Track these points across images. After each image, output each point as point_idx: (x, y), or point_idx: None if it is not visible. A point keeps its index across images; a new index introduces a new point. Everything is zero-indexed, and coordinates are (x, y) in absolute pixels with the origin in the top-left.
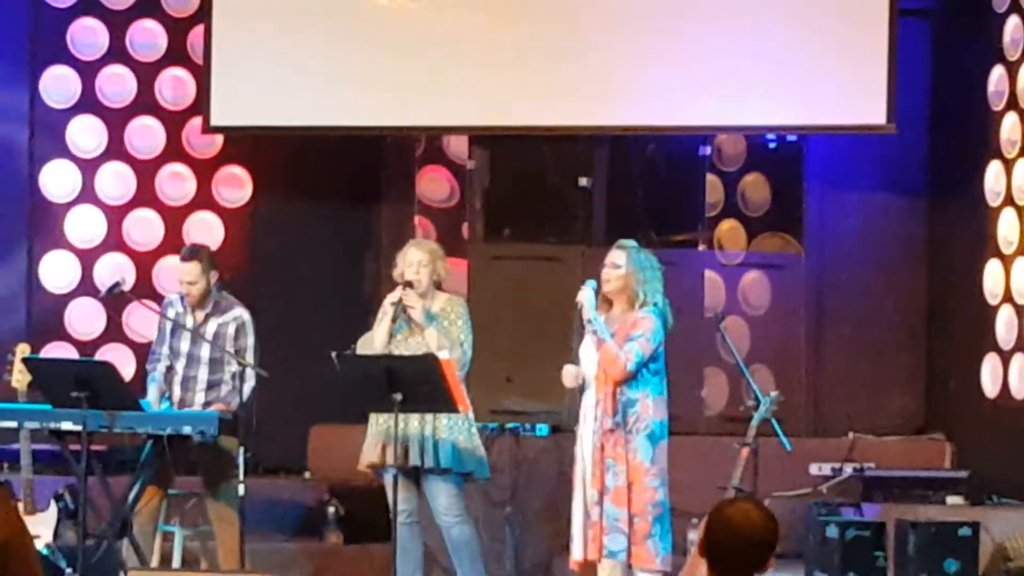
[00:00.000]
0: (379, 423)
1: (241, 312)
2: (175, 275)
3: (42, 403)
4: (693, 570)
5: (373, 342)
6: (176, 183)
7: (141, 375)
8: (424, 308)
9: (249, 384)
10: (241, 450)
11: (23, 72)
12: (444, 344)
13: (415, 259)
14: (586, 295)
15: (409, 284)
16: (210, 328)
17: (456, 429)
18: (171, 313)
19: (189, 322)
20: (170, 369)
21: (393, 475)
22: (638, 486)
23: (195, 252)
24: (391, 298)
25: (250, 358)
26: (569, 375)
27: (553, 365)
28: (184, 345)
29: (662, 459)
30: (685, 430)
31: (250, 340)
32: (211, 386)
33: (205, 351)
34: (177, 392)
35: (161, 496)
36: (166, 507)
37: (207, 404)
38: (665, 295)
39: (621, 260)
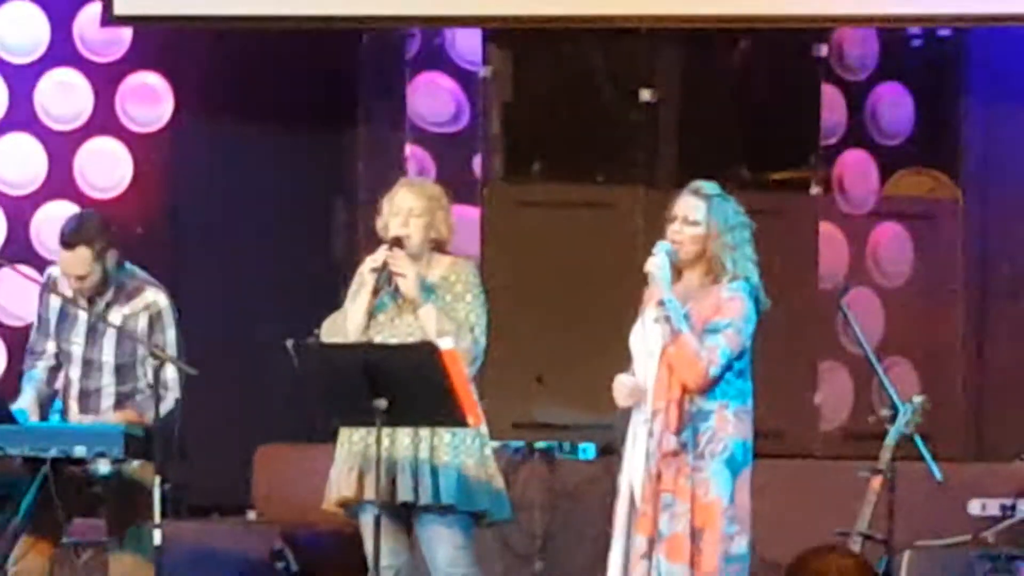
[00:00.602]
0: (353, 442)
1: (155, 296)
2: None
3: None
4: None
5: (345, 325)
6: (64, 97)
7: (13, 374)
8: (418, 276)
9: (172, 395)
10: (157, 481)
11: None
12: (446, 328)
13: (405, 206)
14: (659, 263)
15: (397, 242)
16: (112, 320)
17: (463, 450)
18: (54, 299)
19: (82, 316)
20: (57, 370)
21: (374, 516)
22: (712, 533)
23: (81, 231)
24: (371, 262)
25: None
26: (623, 390)
27: (602, 359)
28: (77, 346)
29: (743, 496)
30: (792, 451)
31: (170, 333)
32: (120, 400)
33: (108, 353)
34: (74, 408)
35: (47, 547)
36: (52, 562)
37: None
38: (757, 263)
39: (699, 213)
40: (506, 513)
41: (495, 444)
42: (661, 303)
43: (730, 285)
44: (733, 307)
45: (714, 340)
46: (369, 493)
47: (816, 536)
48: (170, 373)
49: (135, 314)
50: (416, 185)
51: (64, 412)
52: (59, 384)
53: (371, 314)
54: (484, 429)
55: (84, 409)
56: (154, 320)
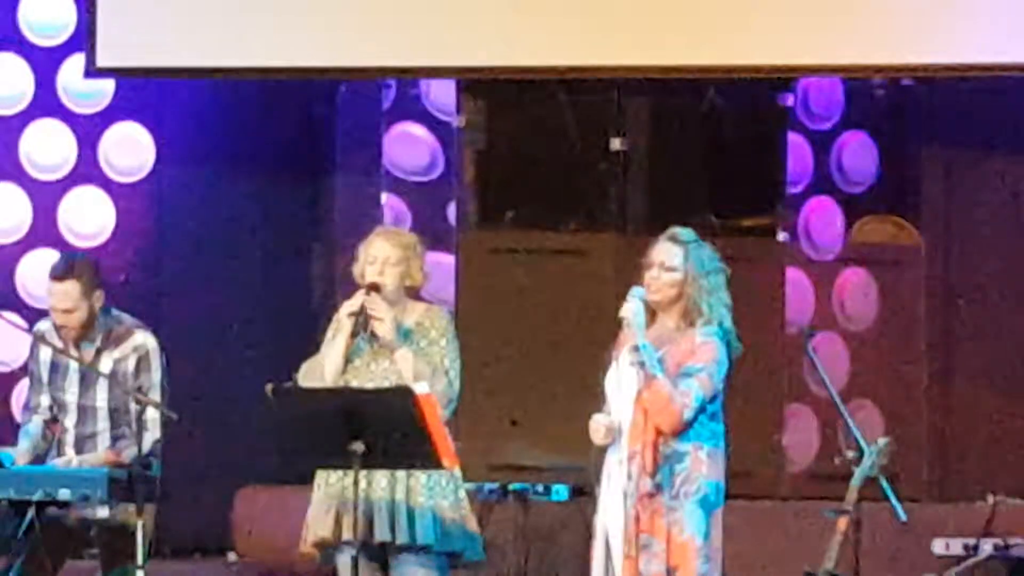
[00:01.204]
0: (330, 483)
1: (144, 339)
2: (46, 276)
3: None
4: None
5: (323, 369)
6: (48, 147)
7: (1, 417)
8: (395, 320)
9: (150, 436)
10: (140, 524)
11: None
12: (422, 371)
13: (381, 254)
14: (633, 309)
15: (374, 287)
16: (104, 367)
17: (438, 492)
18: (44, 352)
19: (73, 365)
20: (54, 423)
21: (352, 556)
22: (686, 571)
23: (71, 267)
24: (348, 307)
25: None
26: (600, 429)
27: (574, 401)
28: (71, 394)
29: (717, 535)
30: (758, 492)
31: (156, 376)
32: (116, 442)
33: (102, 398)
34: (71, 456)
35: None
36: None
37: None
38: (730, 308)
39: (677, 259)
40: (479, 554)
41: (469, 485)
42: (635, 348)
43: (703, 330)
44: (706, 352)
45: (687, 384)
46: (347, 534)
47: (782, 575)
48: (150, 414)
49: (124, 357)
50: (391, 234)
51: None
52: (57, 435)
53: (347, 359)
54: (458, 472)
55: (80, 453)
56: (141, 361)
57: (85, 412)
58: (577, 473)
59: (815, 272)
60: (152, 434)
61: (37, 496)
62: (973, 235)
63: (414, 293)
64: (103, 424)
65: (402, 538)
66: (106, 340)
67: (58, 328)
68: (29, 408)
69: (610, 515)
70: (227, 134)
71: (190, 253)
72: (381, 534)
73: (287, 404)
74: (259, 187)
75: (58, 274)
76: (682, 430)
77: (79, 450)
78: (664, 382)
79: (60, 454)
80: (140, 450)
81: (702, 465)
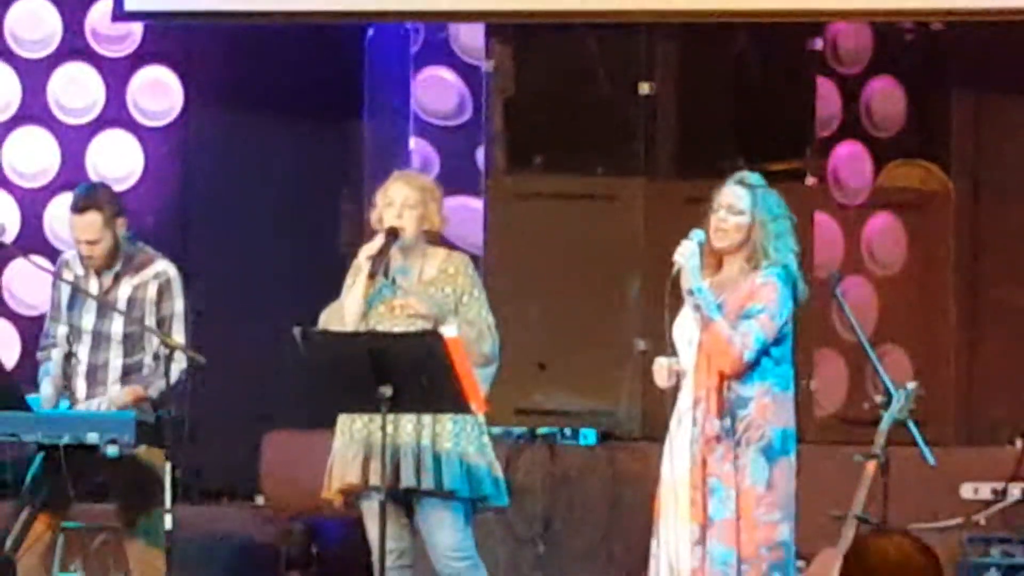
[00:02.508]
0: (356, 429)
1: (165, 266)
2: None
3: None
4: None
5: (343, 314)
6: (76, 91)
7: (28, 361)
8: (434, 305)
9: (177, 366)
10: (168, 466)
11: None
12: (470, 336)
13: (399, 197)
14: (689, 252)
15: (393, 232)
16: (122, 292)
17: (464, 437)
18: (68, 277)
19: (93, 288)
20: (70, 356)
21: (380, 502)
22: (747, 520)
23: (92, 198)
24: (367, 249)
25: (178, 331)
26: (662, 371)
27: (602, 345)
28: (88, 320)
29: (784, 483)
30: None
31: (178, 305)
32: (127, 373)
33: (118, 325)
34: (81, 386)
35: (56, 529)
36: (63, 545)
37: None
38: (797, 253)
39: (745, 203)
40: (504, 499)
41: (497, 430)
42: (691, 292)
43: (765, 272)
44: (767, 292)
45: (747, 325)
46: (374, 480)
47: (812, 520)
48: (178, 353)
49: (144, 283)
50: (409, 177)
51: (71, 392)
52: (69, 369)
53: (370, 303)
54: (482, 417)
55: (92, 383)
56: (163, 289)
57: (99, 339)
58: (605, 417)
59: (844, 217)
60: (179, 364)
61: (65, 440)
62: (1002, 180)
63: (433, 238)
64: (116, 352)
65: (428, 484)
66: (127, 265)
67: (83, 259)
68: (48, 337)
69: (677, 461)
70: (255, 78)
71: (218, 197)
72: (407, 480)
73: (315, 348)
74: (287, 131)
75: (79, 206)
76: (744, 372)
77: (91, 380)
78: (722, 324)
79: (71, 387)
80: (168, 384)
81: (767, 411)
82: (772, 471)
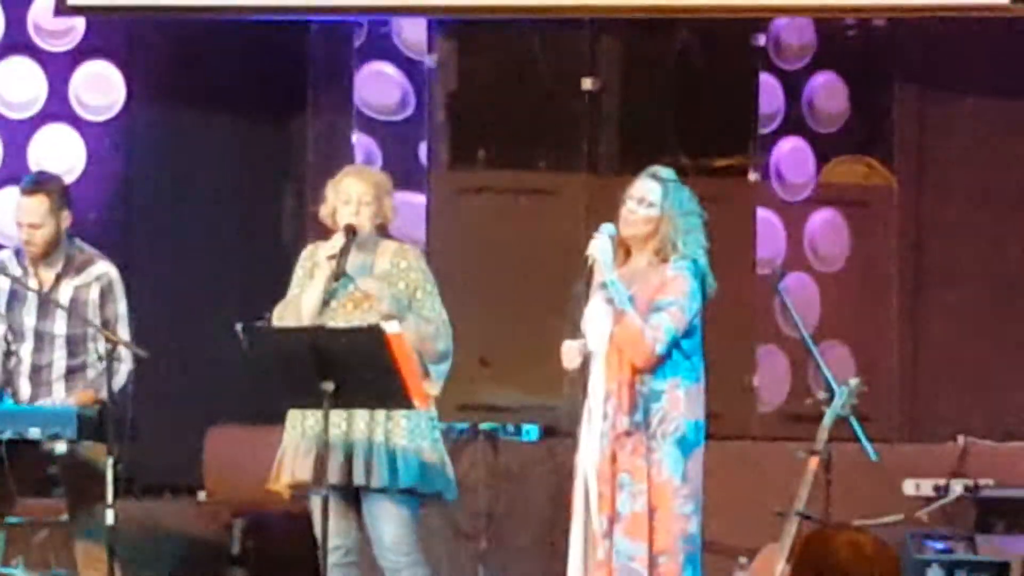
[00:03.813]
0: (308, 426)
1: (106, 268)
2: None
3: None
4: None
5: (299, 310)
6: (18, 86)
7: None
8: (393, 297)
9: (124, 366)
10: (110, 461)
11: None
12: (426, 332)
13: (355, 193)
14: (601, 247)
15: (351, 229)
16: (64, 293)
17: (419, 434)
18: (2, 281)
19: (33, 285)
20: (9, 355)
21: (322, 497)
22: (664, 512)
23: (41, 183)
24: (328, 249)
25: (123, 332)
26: (572, 352)
27: (545, 341)
28: (29, 320)
29: (696, 475)
30: (729, 433)
31: (121, 307)
32: (71, 373)
33: (60, 326)
34: (25, 386)
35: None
36: (4, 540)
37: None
38: (706, 249)
39: (655, 196)
40: (454, 493)
41: (440, 426)
42: (604, 285)
43: (674, 265)
44: (677, 285)
45: (658, 318)
46: (333, 476)
47: (754, 516)
48: (122, 350)
49: (87, 285)
50: (363, 172)
51: (13, 393)
52: (10, 367)
53: (326, 299)
54: (434, 412)
55: (35, 384)
56: (105, 291)
57: (43, 339)
58: (548, 413)
59: (786, 212)
60: (126, 364)
61: (7, 435)
62: (944, 175)
63: (384, 231)
64: (59, 352)
65: (380, 482)
66: (67, 266)
67: (23, 246)
68: None
69: (588, 454)
70: (198, 73)
71: (160, 192)
72: (358, 477)
73: (257, 343)
74: (230, 126)
75: (28, 188)
76: (655, 365)
77: (35, 381)
78: (634, 316)
79: (10, 386)
80: (111, 387)
81: (679, 403)
82: (687, 463)
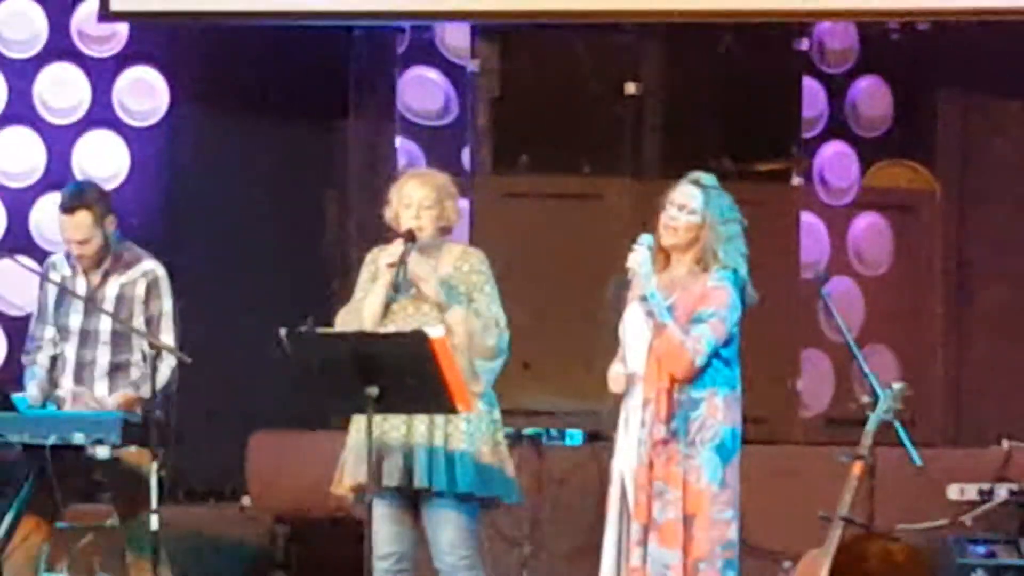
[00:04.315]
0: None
1: (153, 265)
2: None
3: None
4: None
5: (361, 315)
6: (62, 91)
7: (14, 361)
8: (438, 279)
9: (166, 366)
10: (154, 467)
11: None
12: (475, 327)
13: (416, 197)
14: (641, 258)
15: (411, 235)
16: (110, 290)
17: (478, 437)
18: (55, 278)
19: (81, 287)
20: (56, 358)
21: (368, 501)
22: (702, 518)
23: (81, 196)
24: (388, 256)
25: (167, 330)
26: (619, 379)
27: (588, 346)
28: (75, 318)
29: (734, 481)
30: (773, 437)
31: (167, 304)
32: (115, 371)
33: (105, 323)
34: (68, 384)
35: (45, 532)
36: (49, 545)
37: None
38: (747, 257)
39: (697, 203)
40: (515, 497)
41: (508, 429)
42: (643, 298)
43: (716, 275)
44: (718, 296)
45: (699, 329)
46: (391, 480)
47: (798, 521)
48: (164, 341)
49: (132, 282)
50: (425, 176)
51: (56, 392)
52: (55, 370)
53: (386, 304)
54: (497, 415)
55: (79, 380)
56: (151, 287)
57: (88, 336)
58: (591, 417)
59: (830, 217)
60: (168, 363)
61: (51, 440)
62: (987, 179)
63: (447, 233)
64: (103, 349)
65: (440, 485)
66: (115, 264)
67: (75, 258)
68: (34, 339)
69: (626, 461)
70: (241, 78)
71: (203, 197)
72: (420, 481)
73: (301, 349)
74: (272, 131)
75: (68, 206)
76: (695, 376)
77: (78, 378)
78: (674, 329)
79: (55, 386)
80: (154, 387)
81: (717, 411)
82: (725, 470)
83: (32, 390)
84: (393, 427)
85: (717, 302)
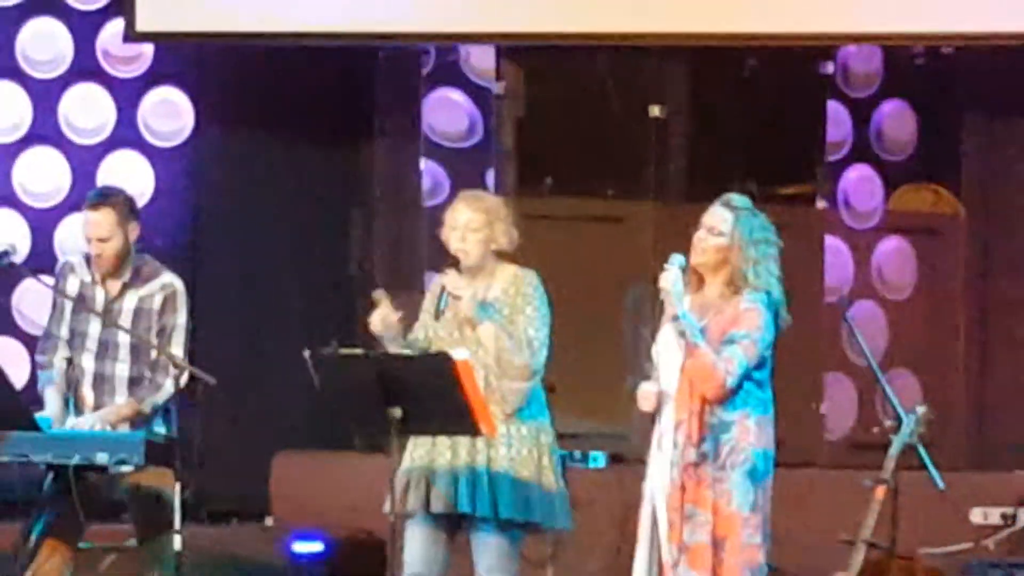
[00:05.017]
0: (416, 455)
1: (172, 279)
2: (84, 239)
3: None
4: None
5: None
6: (87, 112)
7: (36, 379)
8: (474, 296)
9: (170, 383)
10: (178, 487)
11: None
12: (505, 345)
13: (461, 220)
14: (671, 278)
15: (455, 261)
16: (128, 303)
17: (519, 462)
18: (72, 282)
19: (99, 296)
20: (71, 363)
21: (391, 523)
22: (732, 542)
23: (107, 195)
24: (431, 292)
25: (178, 344)
26: (649, 397)
27: (612, 369)
28: (94, 327)
29: (765, 504)
30: (796, 460)
31: (181, 318)
32: (133, 384)
33: (124, 336)
34: (89, 396)
35: (67, 551)
36: (73, 566)
37: None
38: (780, 279)
39: (725, 225)
40: (561, 523)
41: (562, 453)
42: (676, 318)
43: (748, 297)
44: (750, 318)
45: (731, 351)
46: (435, 504)
47: (821, 544)
48: (176, 353)
49: (151, 295)
50: (473, 199)
51: (77, 403)
52: (71, 375)
53: (437, 314)
54: (545, 439)
55: (99, 392)
56: (168, 300)
57: (106, 347)
58: (614, 440)
59: (854, 240)
60: (171, 384)
61: (75, 460)
62: (1012, 203)
63: (503, 256)
64: (123, 364)
65: (483, 510)
66: (134, 277)
67: (93, 260)
68: (49, 336)
69: (657, 483)
70: (265, 99)
71: (228, 217)
72: (463, 505)
73: (325, 370)
74: (297, 152)
75: (93, 202)
76: (726, 398)
77: (98, 389)
78: (706, 350)
79: (77, 398)
80: (157, 402)
81: (749, 434)
82: (756, 493)
83: (51, 396)
84: (439, 453)
85: (749, 324)
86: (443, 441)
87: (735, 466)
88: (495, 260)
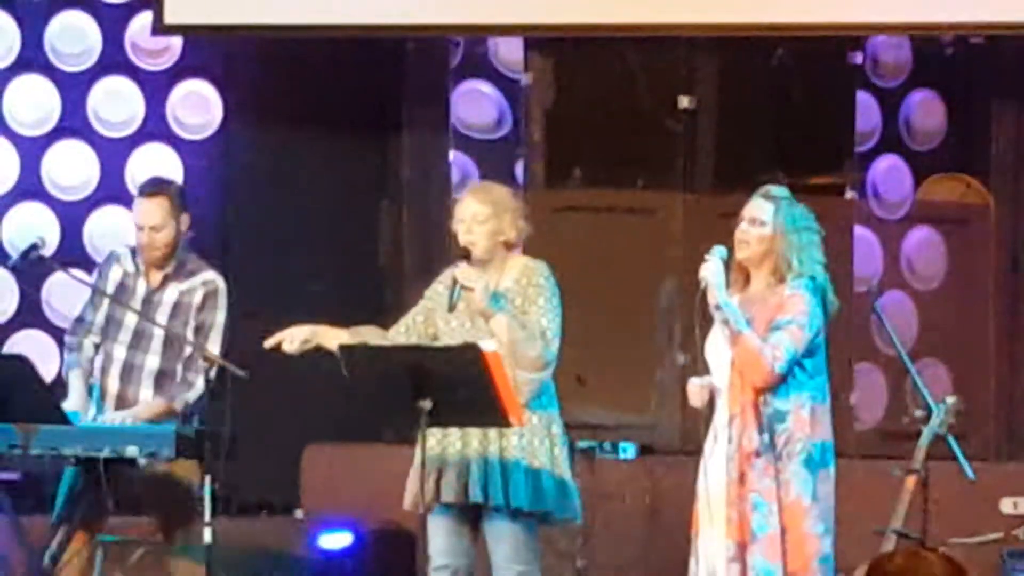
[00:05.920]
0: (429, 445)
1: (214, 276)
2: (113, 232)
3: None
4: None
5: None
6: (115, 105)
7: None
8: (486, 288)
9: (202, 381)
10: (207, 480)
11: None
12: (518, 336)
13: (468, 213)
14: (713, 270)
15: (465, 254)
16: (168, 296)
17: (531, 451)
18: (116, 271)
19: (141, 286)
20: (99, 350)
21: (420, 515)
22: (795, 533)
23: (161, 185)
24: (439, 285)
25: (215, 342)
26: (696, 391)
27: (641, 360)
28: (130, 317)
29: (827, 495)
30: None
31: (220, 316)
32: (161, 376)
33: (159, 327)
34: (114, 385)
35: (93, 543)
36: (102, 559)
37: None
38: (825, 265)
39: (767, 215)
40: (572, 513)
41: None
42: (717, 307)
43: (792, 283)
44: (795, 304)
45: (777, 337)
46: (445, 495)
47: (851, 534)
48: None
49: (192, 289)
50: (480, 190)
51: (102, 391)
52: (98, 363)
53: (451, 307)
54: (556, 429)
55: (125, 381)
56: (208, 297)
57: (140, 337)
58: (644, 431)
59: (883, 231)
60: (203, 382)
61: (105, 453)
62: None
63: (512, 247)
64: (154, 356)
65: (496, 500)
66: (178, 270)
67: (141, 249)
68: (83, 321)
69: (712, 478)
70: (294, 92)
71: (257, 210)
72: (475, 495)
73: (355, 362)
74: (326, 144)
75: (147, 190)
76: (776, 384)
77: (125, 379)
78: (751, 336)
79: (103, 386)
80: (189, 400)
81: (804, 424)
82: (816, 483)
83: (75, 381)
84: (450, 443)
85: (794, 309)
86: (454, 431)
87: (792, 456)
88: (505, 251)
